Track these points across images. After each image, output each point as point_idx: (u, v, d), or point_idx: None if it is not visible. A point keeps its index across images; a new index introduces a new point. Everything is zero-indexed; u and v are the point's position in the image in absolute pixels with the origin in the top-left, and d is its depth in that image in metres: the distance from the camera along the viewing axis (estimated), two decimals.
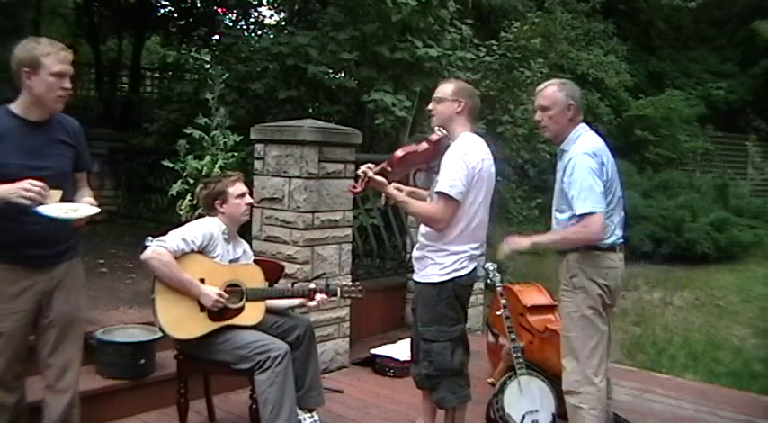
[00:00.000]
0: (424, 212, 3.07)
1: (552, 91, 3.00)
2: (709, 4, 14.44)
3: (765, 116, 14.02)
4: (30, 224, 2.57)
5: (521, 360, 3.54)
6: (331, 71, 6.27)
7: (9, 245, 2.60)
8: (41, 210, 2.50)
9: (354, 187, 3.14)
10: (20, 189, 2.43)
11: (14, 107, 2.62)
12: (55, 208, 2.55)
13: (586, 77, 10.13)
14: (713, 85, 13.77)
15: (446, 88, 3.14)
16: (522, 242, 2.97)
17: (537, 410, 3.47)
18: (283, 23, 8.16)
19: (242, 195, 3.33)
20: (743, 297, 8.10)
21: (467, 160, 2.97)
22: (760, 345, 6.25)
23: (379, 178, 3.03)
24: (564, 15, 9.62)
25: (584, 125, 3.05)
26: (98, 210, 2.73)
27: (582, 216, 2.82)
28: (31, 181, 2.45)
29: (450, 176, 2.95)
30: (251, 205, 3.42)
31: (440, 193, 2.97)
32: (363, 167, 3.08)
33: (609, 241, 2.95)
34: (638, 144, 11.88)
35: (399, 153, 3.06)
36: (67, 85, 2.60)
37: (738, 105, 13.96)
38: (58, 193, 2.56)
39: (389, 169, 3.07)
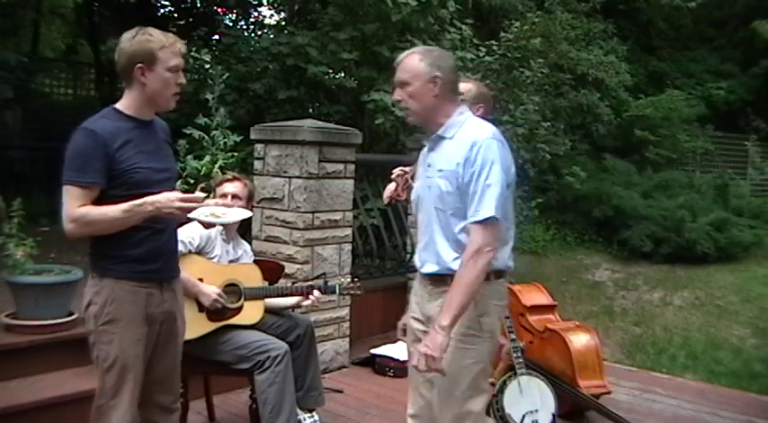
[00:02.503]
0: None
1: (413, 60, 2.35)
2: (709, 4, 14.43)
3: (765, 116, 14.00)
4: (160, 233, 2.37)
5: (521, 360, 3.53)
6: (331, 71, 6.27)
7: (138, 258, 2.32)
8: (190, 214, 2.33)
9: (399, 195, 2.92)
10: (172, 201, 2.23)
11: (123, 107, 2.35)
12: (203, 211, 2.38)
13: (586, 77, 10.12)
14: (713, 85, 13.75)
15: (467, 90, 3.04)
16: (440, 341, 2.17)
17: (537, 410, 3.47)
18: (283, 23, 8.15)
19: (223, 196, 3.30)
20: (743, 297, 8.09)
21: None
22: (760, 345, 6.25)
23: (416, 186, 2.86)
24: (564, 15, 9.60)
25: (466, 107, 2.48)
26: (251, 213, 2.57)
27: (484, 222, 2.21)
28: (179, 195, 2.27)
29: None
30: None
31: None
32: (398, 172, 2.90)
33: (511, 262, 2.41)
34: (638, 144, 11.87)
35: None
36: (183, 79, 2.36)
37: (738, 105, 13.94)
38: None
39: None
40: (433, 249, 2.36)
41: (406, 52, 2.42)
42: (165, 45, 2.29)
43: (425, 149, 2.50)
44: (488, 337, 2.33)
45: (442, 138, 2.38)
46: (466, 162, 2.24)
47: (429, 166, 2.41)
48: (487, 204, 2.20)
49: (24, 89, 7.84)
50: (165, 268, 2.45)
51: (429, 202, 2.37)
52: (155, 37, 2.29)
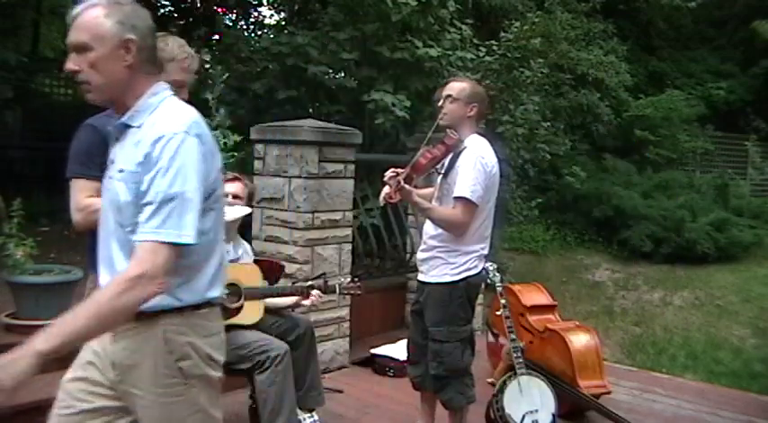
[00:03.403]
0: (447, 218, 3.01)
1: (94, 16, 1.67)
2: (709, 4, 14.45)
3: (765, 116, 14.01)
4: None
5: (521, 360, 3.53)
6: (331, 71, 6.28)
7: None
8: None
9: (391, 197, 2.94)
10: None
11: None
12: None
13: (586, 77, 10.13)
14: (713, 85, 13.77)
15: (461, 89, 3.09)
16: None
17: (537, 410, 3.47)
18: (283, 23, 8.17)
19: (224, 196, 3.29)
20: (743, 297, 8.10)
21: (484, 164, 2.98)
22: (760, 345, 6.26)
23: (408, 187, 2.91)
24: (564, 15, 9.62)
25: (164, 85, 1.80)
26: (250, 210, 2.56)
27: (163, 243, 1.61)
28: None
29: (471, 181, 2.93)
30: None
31: (461, 198, 2.94)
32: (390, 174, 2.92)
33: (214, 293, 1.80)
34: (638, 144, 11.89)
35: (423, 161, 2.95)
36: (185, 95, 2.35)
37: (738, 105, 13.95)
38: None
39: (414, 176, 2.96)
40: (111, 272, 1.76)
41: (85, 4, 1.70)
42: (176, 58, 2.32)
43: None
44: (197, 383, 1.79)
45: (127, 126, 1.75)
46: (146, 161, 1.64)
47: (112, 162, 1.79)
48: (175, 222, 1.61)
49: (24, 89, 7.85)
50: None
51: (108, 210, 1.77)
52: (169, 47, 2.32)
